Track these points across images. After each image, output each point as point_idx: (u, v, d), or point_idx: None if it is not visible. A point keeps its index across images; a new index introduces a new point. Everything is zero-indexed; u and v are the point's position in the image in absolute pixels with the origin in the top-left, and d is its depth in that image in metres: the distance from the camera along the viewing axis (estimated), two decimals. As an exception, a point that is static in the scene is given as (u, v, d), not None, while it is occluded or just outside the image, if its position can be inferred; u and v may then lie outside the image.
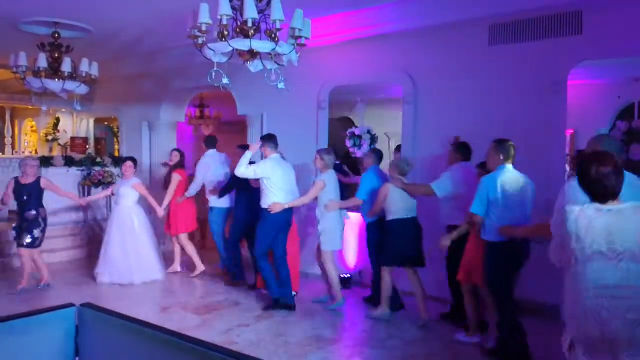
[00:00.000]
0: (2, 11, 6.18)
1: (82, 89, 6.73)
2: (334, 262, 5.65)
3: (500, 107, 5.60)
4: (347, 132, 6.62)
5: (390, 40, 6.30)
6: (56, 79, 6.45)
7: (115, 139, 12.24)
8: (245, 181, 5.91)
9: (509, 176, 4.06)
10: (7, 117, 11.23)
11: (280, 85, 4.62)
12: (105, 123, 13.01)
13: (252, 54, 4.42)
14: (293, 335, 4.85)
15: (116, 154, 10.72)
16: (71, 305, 1.53)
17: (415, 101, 6.18)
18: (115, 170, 8.87)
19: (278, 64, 4.57)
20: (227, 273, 6.77)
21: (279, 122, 7.38)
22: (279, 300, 5.55)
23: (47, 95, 7.24)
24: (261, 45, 4.19)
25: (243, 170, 5.40)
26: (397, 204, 5.09)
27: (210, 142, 7.12)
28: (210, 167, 6.83)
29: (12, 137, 11.45)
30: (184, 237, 7.06)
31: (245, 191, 6.18)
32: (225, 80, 4.50)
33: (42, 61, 6.28)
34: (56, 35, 6.60)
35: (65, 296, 5.95)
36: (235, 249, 6.55)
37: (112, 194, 6.94)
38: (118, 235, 6.51)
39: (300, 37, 4.39)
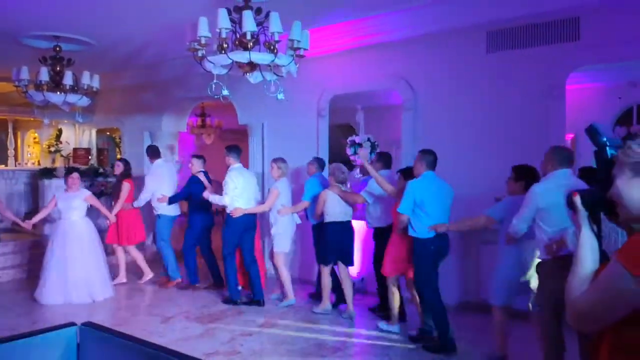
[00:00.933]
0: (3, 26, 6.26)
1: (84, 101, 6.78)
2: (286, 263, 6.12)
3: (499, 113, 5.63)
4: (347, 140, 6.65)
5: (388, 48, 6.35)
6: (58, 92, 6.51)
7: (117, 150, 12.29)
8: (200, 190, 6.38)
9: (432, 182, 4.60)
10: (10, 129, 11.30)
11: (280, 96, 4.67)
12: (108, 134, 13.08)
13: (252, 66, 4.48)
14: (296, 343, 4.86)
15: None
16: (73, 324, 1.56)
17: (415, 108, 6.21)
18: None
19: (277, 75, 4.62)
20: (168, 280, 6.99)
21: (280, 131, 7.43)
22: (235, 300, 6.13)
23: (50, 107, 7.32)
24: (260, 57, 4.25)
25: (226, 201, 5.92)
26: (335, 208, 5.58)
27: (154, 152, 7.25)
28: (163, 177, 7.04)
29: (15, 149, 11.52)
30: (133, 248, 7.13)
31: (199, 199, 6.43)
32: (225, 92, 4.56)
33: (44, 75, 6.34)
34: (57, 49, 6.66)
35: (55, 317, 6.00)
36: (192, 254, 6.82)
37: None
38: (76, 251, 6.13)
39: (299, 48, 4.44)
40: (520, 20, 5.44)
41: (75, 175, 6.46)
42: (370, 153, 6.51)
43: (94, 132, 11.55)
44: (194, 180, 6.68)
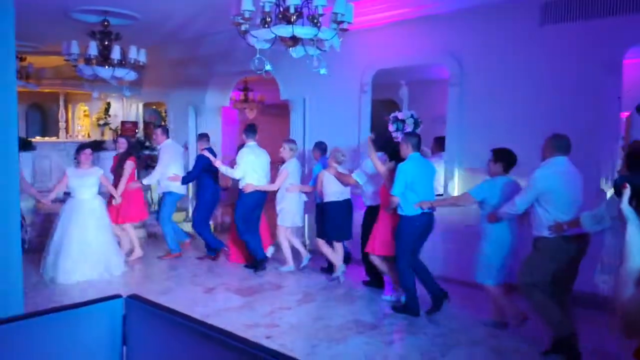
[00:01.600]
0: (54, 0, 6.40)
1: (131, 75, 6.92)
2: (286, 236, 6.53)
3: (551, 89, 5.40)
4: (390, 116, 6.53)
5: (435, 21, 6.16)
6: (106, 67, 6.65)
7: (163, 123, 12.54)
8: (210, 168, 6.69)
9: (419, 163, 4.94)
10: (61, 102, 11.68)
11: (323, 71, 4.62)
12: (154, 107, 13.35)
13: (295, 40, 4.42)
14: (333, 319, 4.90)
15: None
16: (118, 296, 1.60)
17: (462, 83, 6.03)
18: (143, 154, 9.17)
19: (320, 50, 4.56)
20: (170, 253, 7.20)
21: (322, 106, 7.38)
22: (263, 260, 6.55)
23: (98, 81, 7.50)
24: (303, 31, 4.19)
25: (237, 174, 6.36)
26: (331, 188, 5.95)
27: (164, 132, 7.29)
28: (174, 157, 7.14)
29: (66, 121, 11.92)
30: (130, 225, 7.07)
31: (209, 177, 6.89)
32: (268, 67, 4.54)
33: (93, 49, 6.49)
34: (106, 23, 6.78)
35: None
36: (207, 227, 7.19)
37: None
38: (92, 228, 6.04)
39: (343, 22, 4.35)
40: (576, -8, 5.16)
41: (88, 151, 6.25)
42: (414, 129, 6.38)
43: (141, 105, 11.80)
44: (201, 158, 6.83)
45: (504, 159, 4.43)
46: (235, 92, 12.54)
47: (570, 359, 3.92)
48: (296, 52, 4.65)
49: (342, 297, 5.58)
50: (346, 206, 6.07)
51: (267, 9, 4.10)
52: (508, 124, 5.65)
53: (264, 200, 6.62)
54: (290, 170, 6.43)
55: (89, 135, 12.11)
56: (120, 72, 6.67)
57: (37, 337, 1.36)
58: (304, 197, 6.59)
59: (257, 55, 4.33)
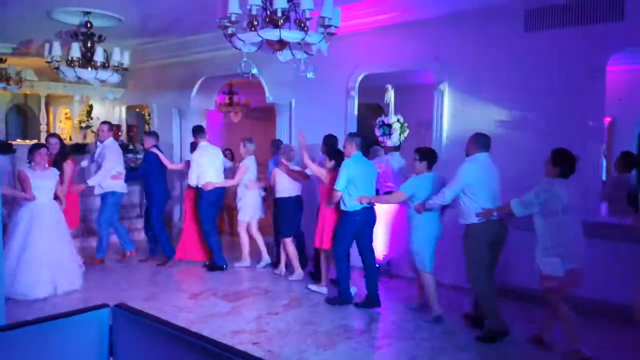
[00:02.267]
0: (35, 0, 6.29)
1: (115, 78, 6.84)
2: (245, 230, 6.89)
3: (535, 95, 5.45)
4: (376, 120, 6.53)
5: (421, 26, 6.18)
6: (89, 68, 6.54)
7: (147, 126, 12.41)
8: (159, 167, 6.85)
9: (361, 161, 5.33)
10: (42, 104, 11.48)
11: (310, 75, 4.59)
12: (137, 110, 13.20)
13: (282, 43, 4.39)
14: (322, 324, 4.87)
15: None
16: (105, 306, 1.56)
17: (447, 88, 6.05)
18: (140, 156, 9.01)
19: (307, 54, 4.53)
20: (124, 254, 7.12)
21: (308, 109, 7.36)
22: (222, 266, 6.79)
23: (80, 84, 7.39)
24: (291, 35, 4.17)
25: (193, 176, 6.67)
26: (283, 184, 6.32)
27: (110, 128, 7.09)
28: (118, 156, 6.96)
29: (47, 124, 11.71)
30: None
31: (159, 176, 6.91)
32: (254, 71, 4.50)
33: (76, 51, 6.39)
34: (88, 24, 6.68)
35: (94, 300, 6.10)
36: (165, 232, 7.07)
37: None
38: (54, 236, 5.54)
39: (330, 26, 4.34)
40: (561, -1, 5.22)
41: (44, 150, 5.67)
42: (400, 134, 6.39)
43: (124, 108, 11.66)
44: (150, 155, 6.87)
45: (428, 157, 4.93)
46: (220, 96, 12.45)
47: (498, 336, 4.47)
48: (283, 56, 4.62)
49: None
50: (296, 202, 6.42)
51: (254, 12, 4.06)
52: (493, 128, 5.68)
53: (223, 195, 7.03)
54: (249, 166, 6.78)
55: (70, 138, 11.91)
56: (103, 75, 6.58)
57: (21, 348, 1.32)
58: (262, 193, 7.01)
59: (244, 59, 4.29)
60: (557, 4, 5.26)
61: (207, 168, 6.69)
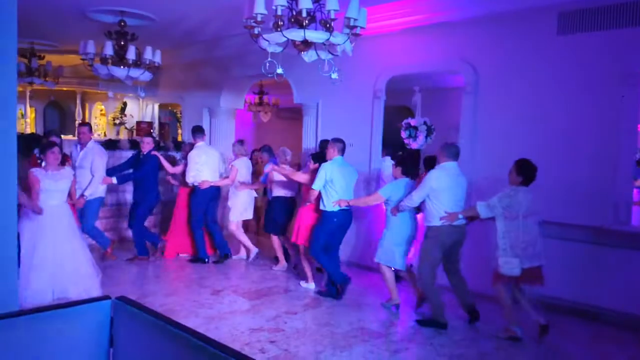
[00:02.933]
0: (73, 0, 6.48)
1: (146, 76, 6.96)
2: (238, 228, 7.18)
3: (566, 101, 5.31)
4: (402, 123, 6.48)
5: (450, 28, 6.10)
6: (122, 67, 6.69)
7: (178, 124, 12.64)
8: (157, 171, 7.01)
9: (341, 165, 5.61)
10: (78, 100, 11.81)
11: (334, 75, 4.58)
12: (170, 108, 13.45)
13: (307, 44, 4.40)
14: (339, 325, 4.85)
15: (179, 138, 11.07)
16: (107, 298, 1.59)
17: (477, 92, 5.96)
18: (177, 155, 9.12)
19: (332, 54, 4.53)
20: (109, 252, 6.90)
21: (335, 111, 7.36)
22: (204, 258, 7.05)
23: (114, 81, 7.56)
24: (315, 35, 4.16)
25: (191, 174, 6.87)
26: (279, 185, 6.63)
27: (90, 129, 6.82)
28: (104, 161, 6.59)
29: (83, 120, 12.05)
30: None
31: (155, 179, 7.00)
32: (279, 71, 4.52)
33: (109, 49, 6.53)
34: (122, 23, 6.84)
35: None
36: (145, 228, 7.16)
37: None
38: (69, 239, 5.16)
39: (356, 26, 4.32)
40: (595, 2, 5.07)
41: (56, 149, 5.16)
42: (426, 137, 6.33)
43: (156, 106, 11.91)
44: (152, 158, 6.90)
45: (403, 164, 5.30)
46: (251, 95, 12.57)
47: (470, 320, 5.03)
48: (308, 56, 4.63)
49: (350, 304, 5.53)
50: (291, 203, 6.75)
51: (279, 13, 4.08)
52: (523, 133, 5.58)
53: (219, 193, 7.25)
54: (239, 167, 7.04)
55: (105, 135, 12.24)
56: (135, 72, 6.71)
57: (24, 335, 1.35)
58: (254, 194, 7.34)
59: (269, 59, 4.32)
60: (590, 6, 5.11)
61: (203, 167, 6.89)
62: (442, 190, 4.81)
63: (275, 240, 6.79)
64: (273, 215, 6.73)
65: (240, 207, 7.14)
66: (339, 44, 4.35)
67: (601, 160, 5.08)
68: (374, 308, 5.47)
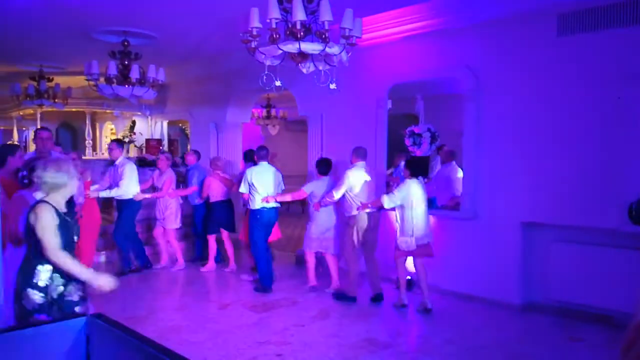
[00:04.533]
0: (78, 23, 6.60)
1: (150, 94, 7.04)
2: (175, 237, 7.59)
3: (569, 102, 5.25)
4: (406, 130, 6.46)
5: (450, 35, 6.08)
6: (126, 85, 6.78)
7: (187, 140, 12.75)
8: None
9: (263, 168, 6.38)
10: (88, 120, 11.98)
11: (332, 86, 4.59)
12: (180, 125, 13.58)
13: (304, 56, 4.42)
14: (347, 337, 4.81)
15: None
16: (82, 315, 1.59)
17: (479, 97, 5.92)
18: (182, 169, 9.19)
19: (329, 65, 4.54)
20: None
21: (339, 121, 7.36)
22: (124, 270, 7.12)
23: (120, 100, 7.66)
24: (310, 47, 4.18)
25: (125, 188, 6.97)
26: (217, 190, 7.29)
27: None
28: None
29: (93, 139, 12.21)
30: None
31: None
32: (277, 84, 4.54)
33: (113, 69, 6.63)
34: (126, 43, 6.94)
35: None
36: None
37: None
38: None
39: (351, 36, 4.33)
40: (595, 2, 5.02)
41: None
42: (431, 143, 6.31)
43: (165, 123, 12.03)
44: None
45: (321, 166, 6.24)
46: (258, 109, 12.65)
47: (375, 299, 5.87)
48: (306, 67, 4.64)
49: (358, 314, 5.48)
50: (229, 205, 7.39)
51: (273, 26, 4.11)
52: (526, 136, 5.52)
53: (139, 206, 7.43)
54: (170, 177, 7.48)
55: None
56: (139, 91, 6.80)
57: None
58: (191, 201, 7.79)
59: (266, 72, 4.34)
60: (589, 6, 5.06)
61: (135, 182, 7.01)
62: (357, 185, 5.77)
63: (212, 240, 7.35)
64: (213, 218, 7.31)
65: (175, 215, 7.50)
66: (335, 54, 4.36)
67: (608, 161, 5.00)
68: (382, 318, 5.42)
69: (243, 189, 6.36)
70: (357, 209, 5.75)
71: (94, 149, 12.49)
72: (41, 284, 2.88)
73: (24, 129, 14.02)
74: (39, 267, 2.89)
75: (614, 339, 4.71)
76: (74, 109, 11.58)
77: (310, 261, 6.35)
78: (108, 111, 11.66)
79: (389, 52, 6.70)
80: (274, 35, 4.22)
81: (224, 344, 4.67)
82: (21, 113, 12.16)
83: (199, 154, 8.00)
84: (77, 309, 2.95)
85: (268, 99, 12.68)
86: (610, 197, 4.98)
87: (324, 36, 4.26)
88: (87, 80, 6.75)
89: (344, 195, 5.81)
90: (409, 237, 5.44)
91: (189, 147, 11.96)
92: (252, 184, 6.26)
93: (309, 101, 7.74)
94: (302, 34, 4.18)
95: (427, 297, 5.53)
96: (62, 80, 9.56)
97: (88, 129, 11.87)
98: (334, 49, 4.28)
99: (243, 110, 9.67)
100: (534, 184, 5.44)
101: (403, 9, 6.11)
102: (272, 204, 6.30)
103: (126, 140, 11.89)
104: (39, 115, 11.62)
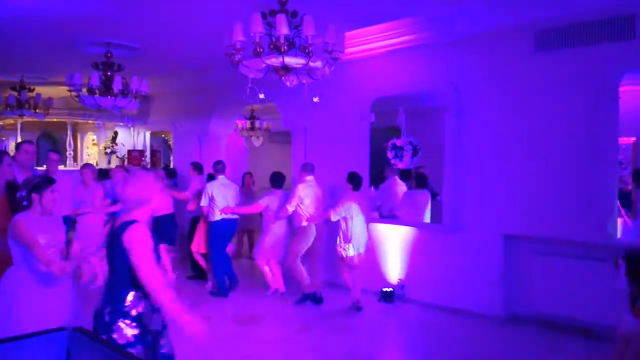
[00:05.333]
0: (61, 34, 6.57)
1: (133, 105, 7.01)
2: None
3: (547, 116, 5.36)
4: (388, 143, 6.53)
5: (432, 50, 6.18)
6: (109, 97, 6.74)
7: (170, 151, 12.69)
8: None
9: (221, 182, 6.76)
10: (69, 131, 11.86)
11: (315, 99, 4.64)
12: (163, 136, 13.52)
13: (287, 69, 4.46)
14: (328, 350, 4.80)
15: (171, 165, 11.10)
16: (63, 329, 1.58)
17: (459, 111, 6.01)
18: (169, 182, 9.14)
19: (313, 79, 4.59)
20: None
21: (322, 134, 7.39)
22: None
23: (102, 111, 7.61)
24: (294, 61, 4.23)
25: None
26: (162, 204, 6.98)
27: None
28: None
29: (75, 150, 12.09)
30: None
31: None
32: (261, 96, 4.58)
33: (95, 80, 6.59)
34: (109, 54, 6.91)
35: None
36: None
37: None
38: None
39: (334, 50, 4.38)
40: (570, 19, 5.16)
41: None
42: (412, 156, 6.37)
43: (148, 134, 11.96)
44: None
45: (275, 180, 6.70)
46: (242, 120, 12.65)
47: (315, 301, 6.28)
48: (290, 81, 4.69)
49: (341, 328, 5.48)
50: (173, 218, 7.37)
51: (257, 40, 4.14)
52: (506, 149, 5.62)
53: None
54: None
55: (97, 163, 12.26)
56: (121, 102, 6.76)
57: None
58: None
59: (249, 85, 4.37)
60: (564, 25, 5.20)
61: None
62: (307, 198, 6.25)
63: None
64: (163, 230, 7.13)
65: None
66: (318, 68, 4.41)
67: (585, 174, 5.11)
68: (365, 331, 5.43)
69: (204, 202, 6.66)
70: (307, 220, 6.22)
71: (75, 159, 12.35)
72: (134, 313, 2.52)
73: (3, 138, 13.84)
74: (130, 295, 2.54)
75: (594, 350, 4.79)
76: (55, 119, 11.48)
77: (268, 270, 6.70)
78: (90, 122, 11.57)
79: (372, 66, 6.78)
80: (258, 49, 4.25)
81: (207, 357, 4.63)
82: (1, 123, 12.00)
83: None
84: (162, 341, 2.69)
85: (252, 111, 12.66)
86: (586, 210, 5.08)
87: (307, 50, 4.31)
88: (69, 91, 6.70)
89: (296, 208, 6.31)
90: (348, 244, 5.98)
91: (171, 158, 11.92)
92: (213, 197, 6.59)
93: (292, 113, 7.77)
94: (285, 48, 4.23)
95: (359, 297, 6.02)
96: (43, 91, 9.46)
97: (69, 139, 11.76)
98: (317, 63, 4.33)
99: (226, 122, 9.67)
100: (515, 197, 5.52)
101: (386, 24, 6.19)
102: (231, 216, 6.69)
103: (107, 151, 11.79)
104: (19, 126, 11.48)
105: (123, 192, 2.64)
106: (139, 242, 2.49)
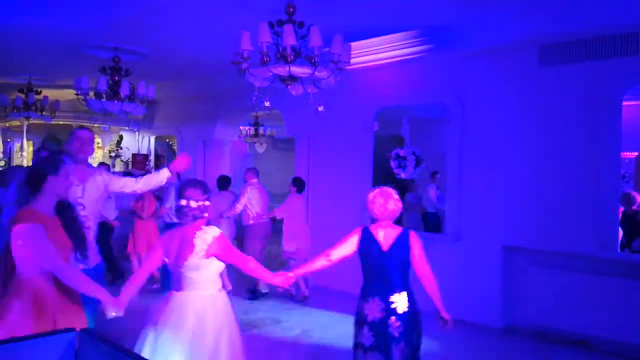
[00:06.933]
0: (69, 38, 6.64)
1: (140, 110, 7.06)
2: None
3: (549, 129, 5.41)
4: (392, 153, 6.58)
5: (437, 62, 6.24)
6: (115, 101, 6.80)
7: (174, 156, 12.75)
8: None
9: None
10: (75, 134, 11.93)
11: (320, 108, 4.69)
12: (167, 140, 13.59)
13: (293, 78, 4.51)
14: (329, 357, 4.83)
15: (174, 170, 11.14)
16: (72, 330, 1.62)
17: (463, 122, 6.07)
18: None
19: (318, 88, 4.64)
20: None
21: (325, 142, 7.45)
22: None
23: (108, 115, 7.67)
24: (300, 70, 4.28)
25: None
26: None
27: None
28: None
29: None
30: None
31: None
32: (267, 104, 4.63)
33: (103, 84, 6.65)
34: (117, 59, 6.98)
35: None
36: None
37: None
38: None
39: (340, 61, 4.44)
40: (574, 35, 5.22)
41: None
42: (415, 166, 6.41)
43: (152, 138, 12.03)
44: None
45: (221, 182, 7.45)
46: (246, 127, 12.72)
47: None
48: (295, 90, 4.74)
49: (341, 335, 5.49)
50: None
51: (264, 49, 4.20)
52: (508, 162, 5.66)
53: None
54: None
55: (101, 167, 12.33)
56: (128, 107, 6.82)
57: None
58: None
59: (256, 93, 4.43)
60: (569, 40, 5.25)
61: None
62: (253, 199, 6.97)
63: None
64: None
65: None
66: (324, 78, 4.46)
67: (586, 187, 5.15)
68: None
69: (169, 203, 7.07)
70: (252, 219, 6.99)
71: (80, 162, 12.40)
72: None
73: (9, 140, 13.92)
74: None
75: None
76: (61, 122, 11.56)
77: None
78: (95, 125, 11.65)
79: (377, 76, 6.84)
80: (265, 58, 4.31)
81: None
82: (7, 125, 12.08)
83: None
84: None
85: (256, 117, 12.75)
86: (587, 223, 5.11)
87: (313, 60, 4.37)
88: (77, 94, 6.76)
89: (243, 209, 7.04)
90: (292, 242, 6.71)
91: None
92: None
93: (297, 121, 7.83)
94: (292, 57, 4.28)
95: (305, 289, 6.72)
96: (50, 93, 9.54)
97: (75, 142, 11.83)
98: (323, 73, 4.38)
99: (231, 128, 9.74)
100: (515, 209, 5.56)
101: (392, 35, 6.25)
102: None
103: (112, 154, 11.87)
104: (25, 128, 11.56)
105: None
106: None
